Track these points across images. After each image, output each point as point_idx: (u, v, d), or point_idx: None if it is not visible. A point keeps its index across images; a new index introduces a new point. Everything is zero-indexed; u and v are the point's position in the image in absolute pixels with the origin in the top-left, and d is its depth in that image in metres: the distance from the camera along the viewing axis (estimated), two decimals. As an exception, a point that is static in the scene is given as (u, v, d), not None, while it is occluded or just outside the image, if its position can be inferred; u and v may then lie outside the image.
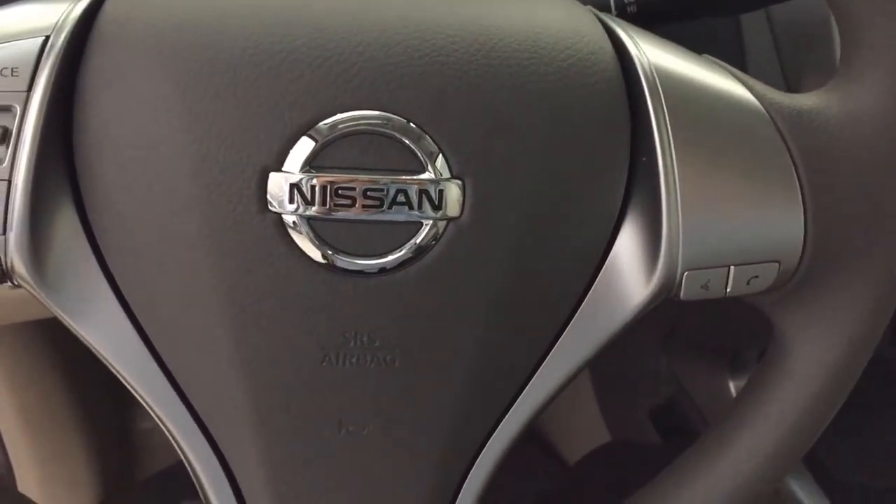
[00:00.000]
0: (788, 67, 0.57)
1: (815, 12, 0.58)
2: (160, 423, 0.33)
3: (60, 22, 0.31)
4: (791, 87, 0.57)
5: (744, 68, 0.56)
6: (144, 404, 0.33)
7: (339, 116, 0.29)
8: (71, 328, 0.32)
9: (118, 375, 0.33)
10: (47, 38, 0.31)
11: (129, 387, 0.33)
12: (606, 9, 0.49)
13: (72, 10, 0.32)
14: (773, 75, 0.57)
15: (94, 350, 0.32)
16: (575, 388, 0.91)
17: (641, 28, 0.37)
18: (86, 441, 0.98)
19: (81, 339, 0.32)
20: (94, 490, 0.99)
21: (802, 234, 0.33)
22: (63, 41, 0.31)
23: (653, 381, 1.04)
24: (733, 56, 0.56)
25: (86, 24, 0.32)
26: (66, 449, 0.97)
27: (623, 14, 0.49)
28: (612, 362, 1.03)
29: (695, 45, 0.42)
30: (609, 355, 0.35)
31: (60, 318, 0.32)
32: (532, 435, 1.10)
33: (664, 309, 0.34)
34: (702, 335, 0.97)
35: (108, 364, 0.32)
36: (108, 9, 0.32)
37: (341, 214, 0.30)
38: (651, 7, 0.48)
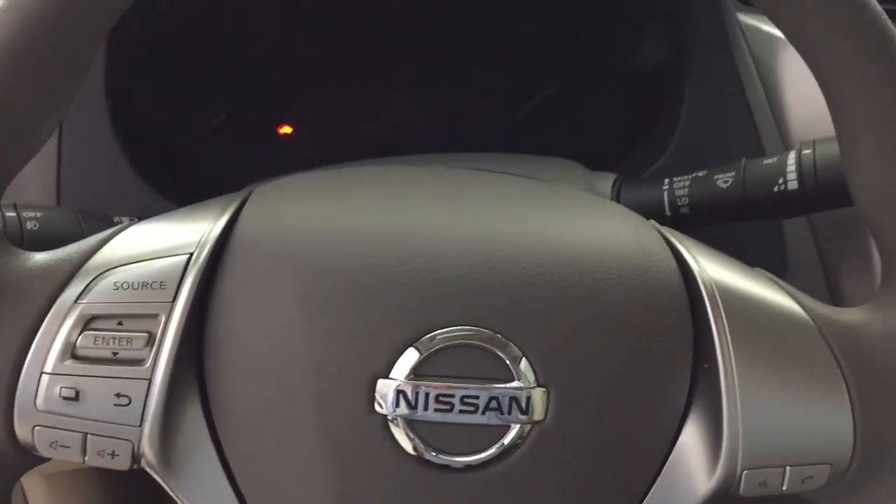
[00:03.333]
0: (829, 269, 0.59)
1: (854, 215, 0.60)
2: None
3: (202, 240, 0.36)
4: (831, 286, 0.60)
5: (785, 267, 0.59)
6: None
7: (438, 331, 0.33)
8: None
9: None
10: (191, 255, 0.35)
11: None
12: (660, 209, 0.54)
13: (212, 229, 0.36)
14: (814, 275, 0.59)
15: None
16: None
17: (692, 226, 0.39)
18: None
19: None
20: None
21: (852, 440, 0.36)
22: (204, 257, 0.35)
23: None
24: (775, 254, 0.59)
25: (223, 241, 0.36)
26: None
27: (676, 214, 0.53)
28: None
29: (738, 243, 0.45)
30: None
31: (176, 497, 0.35)
32: None
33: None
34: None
35: None
36: (240, 228, 0.37)
37: (438, 417, 0.33)
38: (702, 209, 0.53)
